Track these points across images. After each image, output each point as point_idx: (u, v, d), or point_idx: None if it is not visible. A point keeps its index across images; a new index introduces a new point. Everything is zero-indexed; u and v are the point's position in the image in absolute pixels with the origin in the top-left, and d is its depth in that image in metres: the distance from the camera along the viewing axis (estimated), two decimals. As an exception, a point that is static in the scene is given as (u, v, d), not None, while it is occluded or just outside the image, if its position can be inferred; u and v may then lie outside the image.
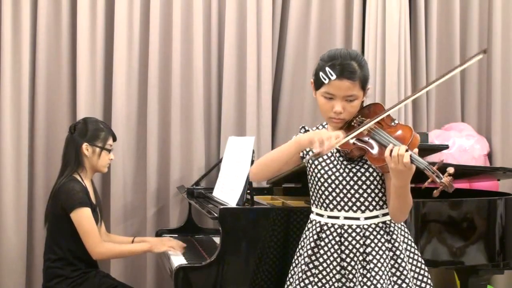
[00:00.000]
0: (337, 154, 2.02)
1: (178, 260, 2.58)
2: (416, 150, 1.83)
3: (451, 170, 1.71)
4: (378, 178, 1.98)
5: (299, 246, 2.10)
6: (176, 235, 3.26)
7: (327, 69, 1.93)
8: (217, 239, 2.82)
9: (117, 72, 3.47)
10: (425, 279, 2.02)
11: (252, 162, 2.63)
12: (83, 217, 2.65)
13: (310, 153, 1.99)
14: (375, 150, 1.91)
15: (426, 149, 2.99)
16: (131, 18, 3.51)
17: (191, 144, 3.53)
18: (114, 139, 2.90)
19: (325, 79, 1.94)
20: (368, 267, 1.94)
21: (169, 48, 3.54)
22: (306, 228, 2.09)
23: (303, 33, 3.73)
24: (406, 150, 1.77)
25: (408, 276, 1.97)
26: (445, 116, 3.87)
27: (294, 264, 2.10)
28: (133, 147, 3.55)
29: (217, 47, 3.65)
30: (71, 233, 2.67)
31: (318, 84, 1.98)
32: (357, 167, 1.99)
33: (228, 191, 2.75)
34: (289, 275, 2.10)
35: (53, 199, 2.74)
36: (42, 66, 3.47)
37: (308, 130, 2.12)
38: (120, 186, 3.48)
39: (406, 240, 2.03)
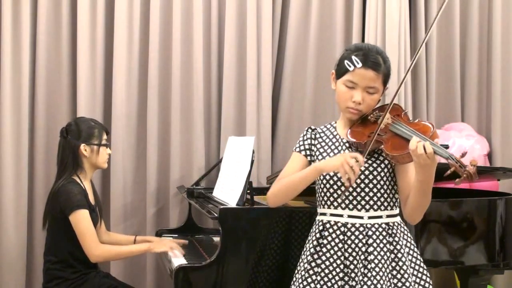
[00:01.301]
0: (346, 152, 2.01)
1: (178, 260, 2.58)
2: (437, 140, 1.83)
3: (474, 161, 1.73)
4: (385, 178, 1.98)
5: (304, 249, 2.09)
6: (176, 235, 3.26)
7: (353, 57, 1.96)
8: (217, 239, 2.82)
9: (117, 72, 3.47)
10: (426, 285, 2.01)
11: (252, 162, 2.64)
12: (80, 219, 2.62)
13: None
14: (393, 141, 1.90)
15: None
16: (131, 18, 3.51)
17: (191, 144, 3.53)
18: (107, 133, 2.89)
19: (350, 66, 1.96)
20: (369, 266, 1.93)
21: (169, 48, 3.54)
22: (311, 230, 2.09)
23: (303, 33, 3.73)
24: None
25: (409, 279, 1.96)
26: (445, 116, 3.87)
27: (298, 268, 2.09)
28: (133, 147, 3.55)
29: (217, 47, 3.65)
30: (70, 235, 2.65)
31: (341, 72, 1.99)
32: (365, 165, 1.98)
33: (228, 191, 2.75)
34: (294, 279, 2.09)
35: (51, 202, 2.72)
36: (42, 66, 3.47)
37: (315, 129, 2.12)
38: (120, 186, 3.47)
39: (409, 244, 2.02)
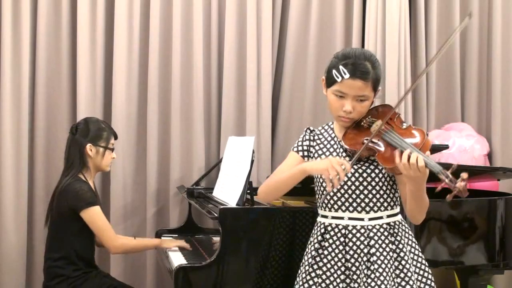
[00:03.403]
0: (343, 154, 2.01)
1: (178, 260, 2.58)
2: (428, 153, 1.82)
3: (465, 175, 1.70)
4: (383, 179, 1.98)
5: (306, 250, 2.09)
6: (176, 235, 3.26)
7: (341, 67, 1.93)
8: (217, 239, 2.82)
9: (117, 72, 3.47)
10: (428, 282, 2.01)
11: (252, 162, 2.64)
12: (95, 215, 2.69)
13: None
14: (386, 152, 1.89)
15: (426, 149, 2.99)
16: (131, 18, 3.51)
17: (191, 144, 3.53)
18: (116, 138, 2.92)
19: (338, 78, 1.93)
20: (372, 267, 1.93)
21: (169, 48, 3.54)
22: (313, 231, 2.09)
23: (303, 33, 3.73)
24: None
25: (412, 278, 1.96)
26: (445, 116, 3.87)
27: (300, 269, 2.09)
28: (133, 147, 3.55)
29: (217, 47, 3.65)
30: (77, 232, 2.70)
31: (330, 82, 1.98)
32: (363, 168, 1.98)
33: (228, 191, 2.75)
34: (296, 280, 2.09)
35: (58, 199, 2.74)
36: (42, 66, 3.47)
37: (313, 130, 2.12)
38: (120, 186, 3.47)
39: (410, 242, 2.03)
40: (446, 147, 3.15)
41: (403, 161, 1.78)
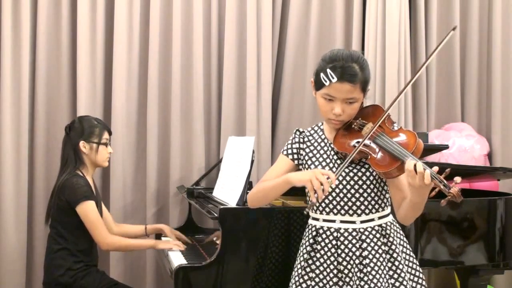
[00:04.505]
0: (335, 157, 2.01)
1: (178, 260, 2.58)
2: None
3: (458, 179, 1.69)
4: (374, 181, 1.98)
5: (298, 253, 2.09)
6: (176, 235, 3.26)
7: (328, 71, 1.91)
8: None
9: (117, 72, 3.47)
10: (420, 281, 2.02)
11: (252, 162, 2.64)
12: (89, 210, 2.70)
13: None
14: (378, 156, 1.88)
15: (426, 149, 2.98)
16: (131, 18, 3.51)
17: (191, 144, 3.53)
18: (110, 133, 2.93)
19: (325, 81, 1.92)
20: (365, 270, 1.93)
21: (169, 48, 3.55)
22: (304, 233, 2.09)
23: (303, 33, 3.73)
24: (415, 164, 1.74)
25: (406, 278, 1.96)
26: (445, 116, 3.88)
27: (293, 273, 2.09)
28: (133, 147, 3.55)
29: (217, 47, 3.65)
30: (75, 226, 2.72)
31: (318, 85, 1.96)
32: (354, 171, 1.97)
33: (228, 191, 2.75)
34: (291, 282, 2.09)
35: (57, 195, 2.76)
36: (42, 66, 3.48)
37: (303, 132, 2.11)
38: (120, 186, 3.48)
39: (402, 242, 2.03)
40: (446, 147, 3.15)
41: (409, 168, 1.75)
